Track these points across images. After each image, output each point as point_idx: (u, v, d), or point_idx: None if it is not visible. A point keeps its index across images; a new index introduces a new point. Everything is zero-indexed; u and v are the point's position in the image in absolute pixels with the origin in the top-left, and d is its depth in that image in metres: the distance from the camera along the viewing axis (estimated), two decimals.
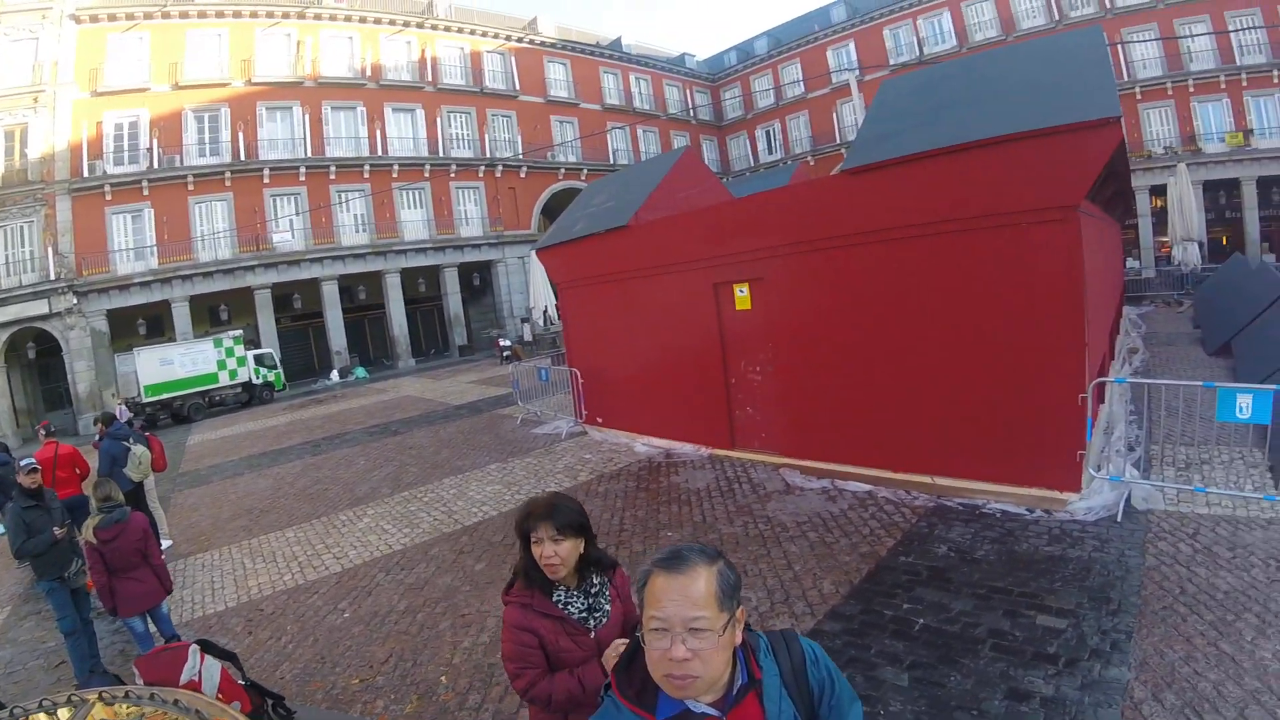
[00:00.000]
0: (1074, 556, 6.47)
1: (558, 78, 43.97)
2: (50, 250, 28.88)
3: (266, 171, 33.57)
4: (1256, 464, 8.40)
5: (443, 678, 5.72)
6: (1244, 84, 34.46)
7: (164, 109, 32.10)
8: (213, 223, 32.81)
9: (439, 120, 38.49)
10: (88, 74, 30.48)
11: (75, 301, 29.14)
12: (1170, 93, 35.82)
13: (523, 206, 41.18)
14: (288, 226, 33.70)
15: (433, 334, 42.73)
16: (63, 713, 2.39)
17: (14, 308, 28.14)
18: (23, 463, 6.97)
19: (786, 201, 10.20)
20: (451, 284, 38.59)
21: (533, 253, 29.42)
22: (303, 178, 34.45)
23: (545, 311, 30.38)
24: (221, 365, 28.25)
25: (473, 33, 40.45)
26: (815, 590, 6.30)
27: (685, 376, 11.55)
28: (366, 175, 36.01)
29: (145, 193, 31.39)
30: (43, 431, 10.69)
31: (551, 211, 42.08)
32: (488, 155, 39.83)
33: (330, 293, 34.85)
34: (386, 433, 17.26)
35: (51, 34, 29.66)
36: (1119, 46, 34.42)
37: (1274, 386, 6.88)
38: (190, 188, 32.38)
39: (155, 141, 31.67)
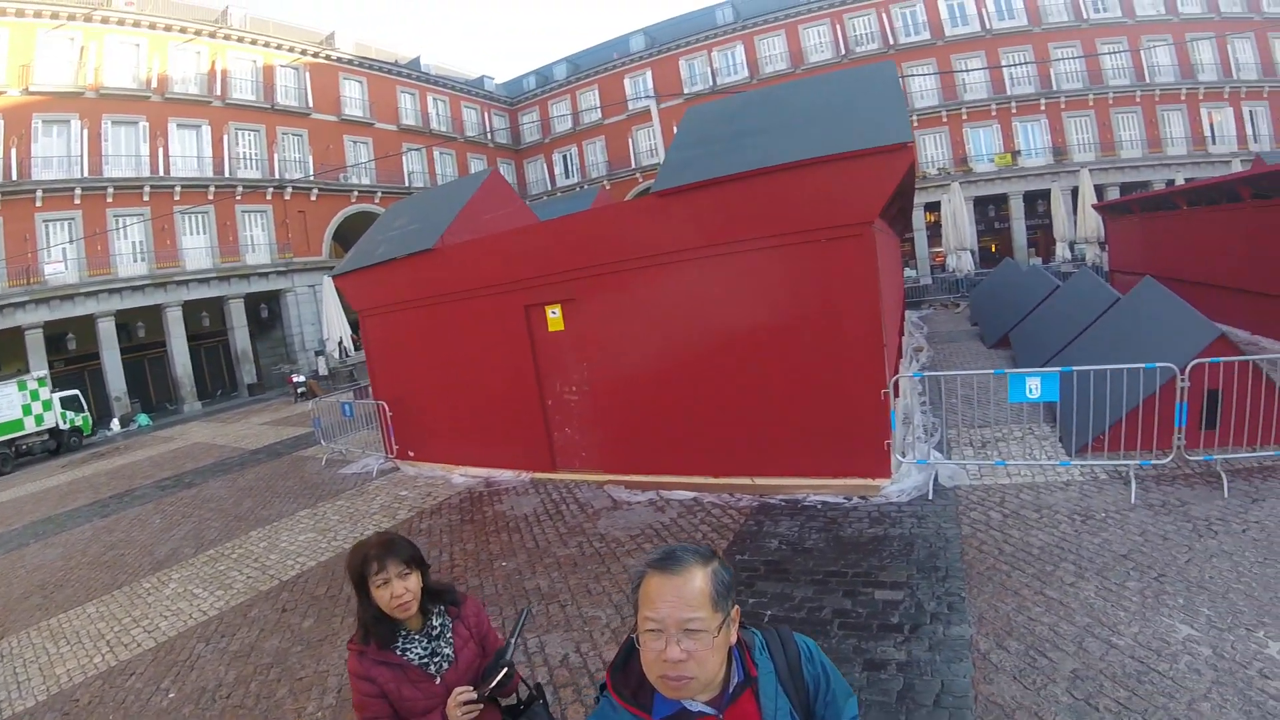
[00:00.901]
0: (896, 535, 7.08)
1: (353, 96, 41.97)
2: None
3: (39, 194, 29.58)
4: (1046, 436, 9.69)
5: None
6: (1013, 111, 39.60)
7: None
8: None
9: (226, 138, 35.44)
10: None
11: None
12: (945, 120, 40.00)
13: (313, 231, 38.72)
14: (60, 256, 29.86)
15: (219, 373, 39.16)
16: None
17: None
18: None
19: (598, 223, 10.33)
20: (238, 316, 35.48)
21: (326, 280, 27.95)
22: (78, 200, 30.43)
23: (340, 343, 28.86)
24: (27, 410, 24.61)
25: (267, 45, 37.62)
26: None
27: (500, 402, 11.26)
28: (147, 198, 32.41)
29: None
30: None
31: (344, 237, 40.06)
32: (277, 176, 37.23)
33: (107, 331, 30.98)
34: (180, 485, 15.64)
35: None
36: (904, 80, 37.78)
37: (1059, 369, 7.89)
38: None
39: None
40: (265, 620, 7.43)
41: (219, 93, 35.26)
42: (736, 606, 1.76)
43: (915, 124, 39.54)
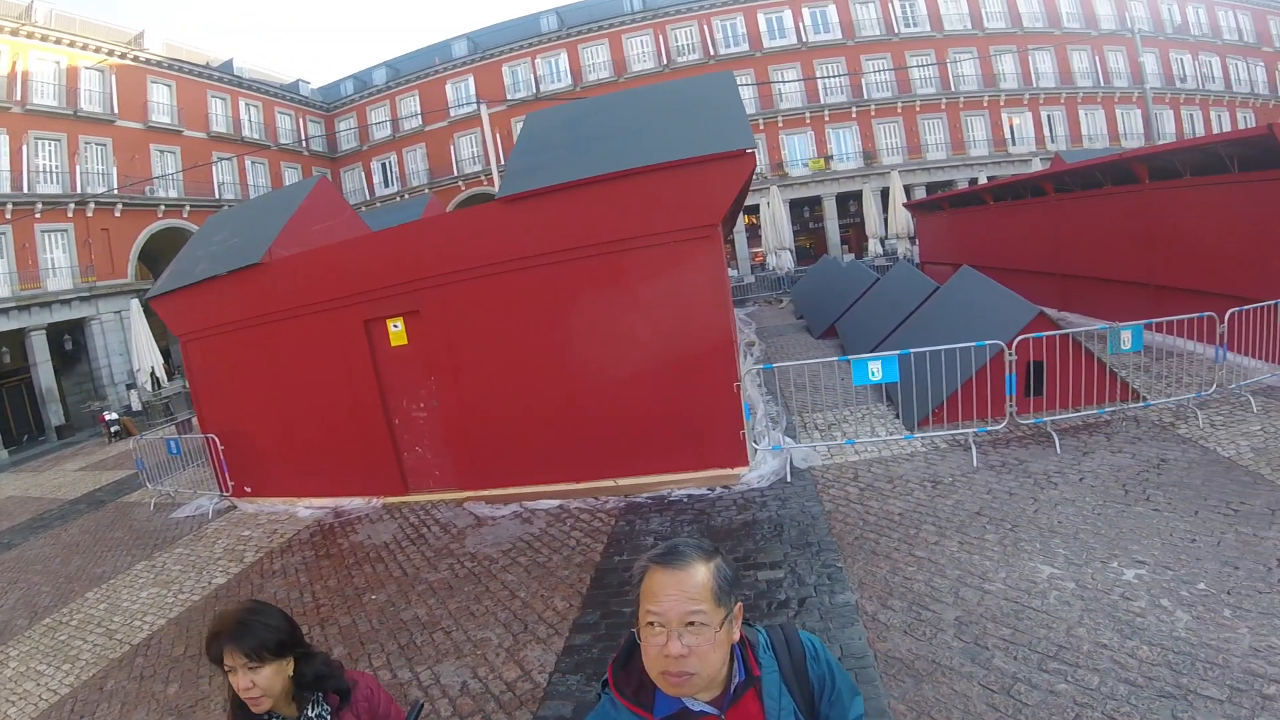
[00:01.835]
0: (765, 518, 7.28)
1: (162, 101, 38.27)
2: None
3: None
4: (884, 415, 10.26)
5: None
6: (826, 119, 41.73)
7: None
8: None
9: (25, 149, 31.71)
10: None
11: None
12: (762, 127, 41.36)
13: (118, 251, 34.95)
14: None
15: (23, 416, 34.70)
16: None
17: None
18: None
19: (441, 231, 9.92)
20: (40, 350, 31.40)
21: (133, 305, 25.72)
22: None
23: (153, 373, 26.65)
24: None
25: (73, 44, 33.57)
26: (550, 610, 6.06)
27: (343, 425, 10.51)
28: None
29: None
30: None
31: (151, 257, 36.69)
32: (79, 191, 33.62)
33: None
34: None
35: None
36: None
37: (898, 352, 8.38)
38: None
39: None
40: (125, 692, 6.52)
41: (19, 97, 31.44)
42: (739, 603, 1.72)
43: None
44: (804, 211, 43.58)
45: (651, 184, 8.18)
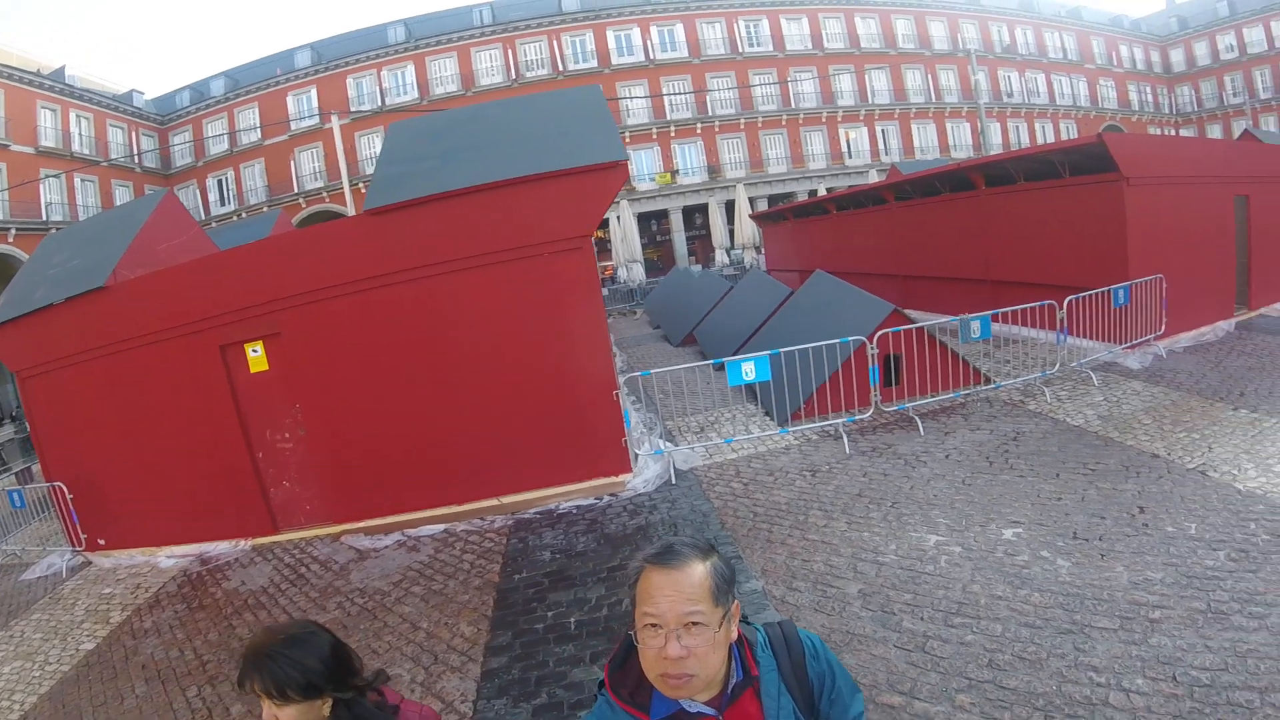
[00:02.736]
0: (657, 520, 7.43)
1: None
2: None
3: None
4: (753, 413, 10.64)
5: None
6: (672, 134, 43.07)
7: None
8: None
9: None
10: None
11: None
12: None
13: None
14: None
15: None
16: None
17: None
18: None
19: (302, 246, 9.42)
20: None
21: None
22: None
23: None
24: None
25: None
26: (458, 638, 5.88)
27: (203, 462, 9.68)
28: None
29: None
30: None
31: None
32: None
33: None
34: None
35: None
36: None
37: (769, 352, 8.80)
38: None
39: None
40: None
41: None
42: (736, 602, 1.71)
43: None
44: (651, 225, 44.55)
45: (525, 195, 8.16)
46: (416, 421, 8.83)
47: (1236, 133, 37.59)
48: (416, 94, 42.92)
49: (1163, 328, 10.42)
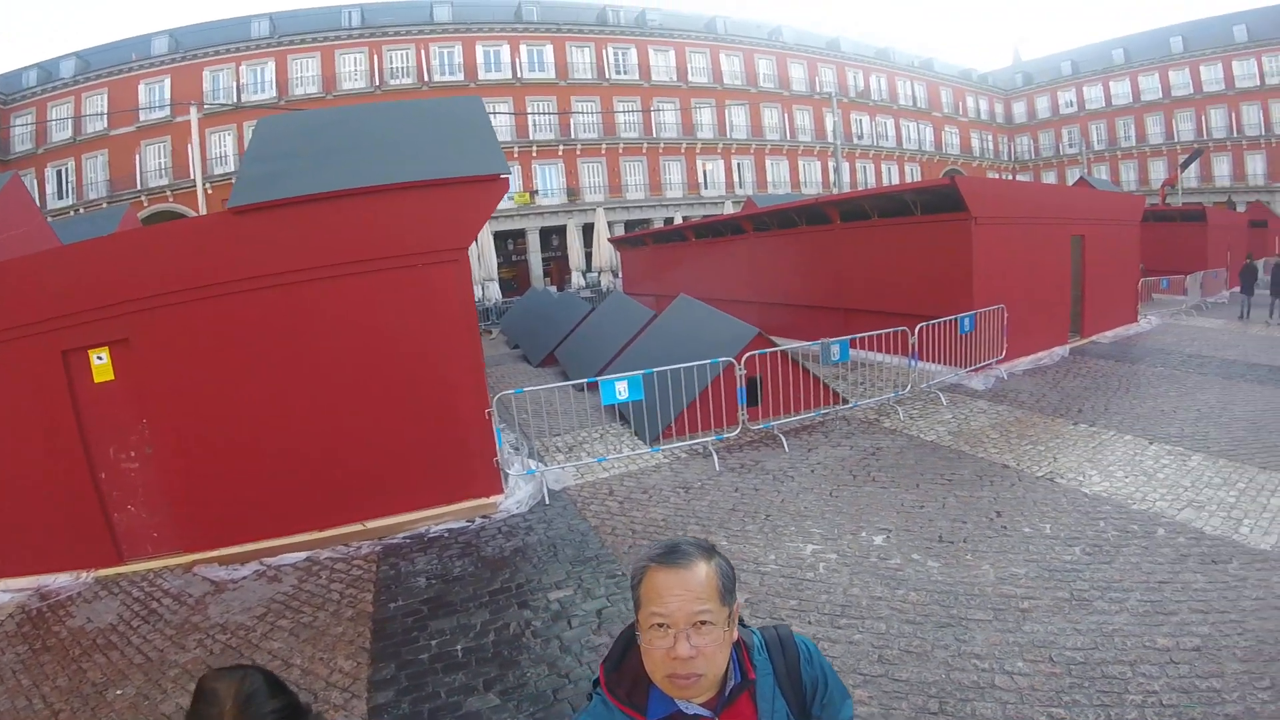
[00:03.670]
0: (535, 541, 7.26)
1: None
2: None
3: None
4: (621, 433, 10.73)
5: None
6: (534, 154, 43.07)
7: None
8: None
9: None
10: None
11: None
12: None
13: None
14: None
15: None
16: None
17: None
18: None
19: (157, 244, 8.61)
20: None
21: None
22: None
23: None
24: None
25: None
26: (337, 673, 5.50)
27: (39, 483, 8.75)
28: None
29: None
30: None
31: None
32: None
33: None
34: None
35: None
36: None
37: (641, 371, 9.00)
38: None
39: None
40: None
41: None
42: (737, 602, 1.70)
43: None
44: (507, 244, 44.33)
45: (404, 202, 7.89)
46: (276, 440, 8.21)
47: (1072, 179, 42.01)
48: (275, 93, 40.75)
49: (1004, 352, 11.48)
